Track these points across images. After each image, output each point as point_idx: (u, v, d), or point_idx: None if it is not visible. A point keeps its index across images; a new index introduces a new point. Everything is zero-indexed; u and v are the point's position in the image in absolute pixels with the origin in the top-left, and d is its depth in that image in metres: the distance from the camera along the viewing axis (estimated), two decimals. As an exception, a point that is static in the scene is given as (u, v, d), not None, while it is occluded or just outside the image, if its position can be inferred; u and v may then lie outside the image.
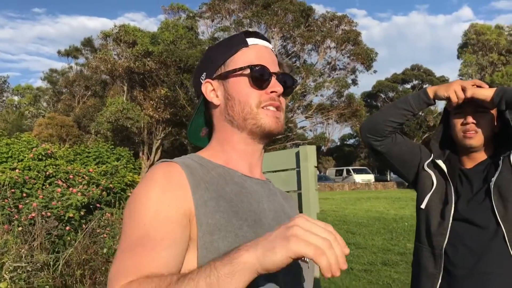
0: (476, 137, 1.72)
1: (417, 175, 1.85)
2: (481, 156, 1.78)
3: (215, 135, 1.11)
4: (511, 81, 33.73)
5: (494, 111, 1.75)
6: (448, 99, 1.70)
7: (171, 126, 31.25)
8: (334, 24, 29.52)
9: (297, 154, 4.73)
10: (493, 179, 1.66)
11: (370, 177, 38.32)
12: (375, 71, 30.31)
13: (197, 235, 0.90)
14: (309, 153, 4.64)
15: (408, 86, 48.80)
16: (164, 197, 0.90)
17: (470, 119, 1.72)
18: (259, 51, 1.06)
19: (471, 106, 1.71)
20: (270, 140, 1.11)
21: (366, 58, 29.04)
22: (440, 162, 1.79)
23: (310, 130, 37.50)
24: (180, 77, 27.17)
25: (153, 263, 0.84)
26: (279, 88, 1.04)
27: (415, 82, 48.16)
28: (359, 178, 37.24)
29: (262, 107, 1.03)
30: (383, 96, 49.35)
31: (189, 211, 0.90)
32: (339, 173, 41.46)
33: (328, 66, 30.89)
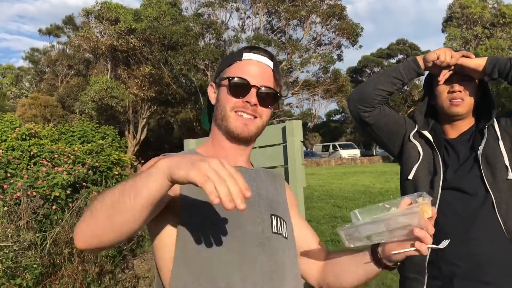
0: (463, 105, 1.74)
1: (402, 147, 1.86)
2: (464, 125, 1.81)
3: (210, 132, 1.34)
4: (494, 54, 33.93)
5: (476, 81, 1.78)
6: (437, 60, 1.69)
7: (156, 104, 30.99)
8: (319, -2, 29.25)
9: (284, 129, 4.73)
10: (481, 148, 1.70)
11: (356, 152, 38.68)
12: (360, 46, 30.27)
13: (177, 211, 1.13)
14: (295, 128, 4.65)
15: (394, 61, 48.83)
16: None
17: (457, 87, 1.74)
18: (248, 65, 1.25)
19: (457, 75, 1.74)
20: (244, 143, 1.28)
21: (352, 33, 28.92)
22: (425, 133, 1.81)
23: (297, 107, 37.52)
24: (164, 55, 26.82)
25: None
26: (253, 100, 1.22)
27: (401, 56, 48.22)
28: (345, 153, 37.56)
29: (235, 112, 1.23)
30: (368, 71, 49.41)
31: (175, 189, 1.08)
32: (325, 148, 41.75)
33: (313, 42, 30.74)
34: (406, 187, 1.82)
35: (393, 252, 1.09)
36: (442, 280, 1.70)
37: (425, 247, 1.05)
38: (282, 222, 1.25)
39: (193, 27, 27.97)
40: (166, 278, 1.13)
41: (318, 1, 29.14)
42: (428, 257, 1.71)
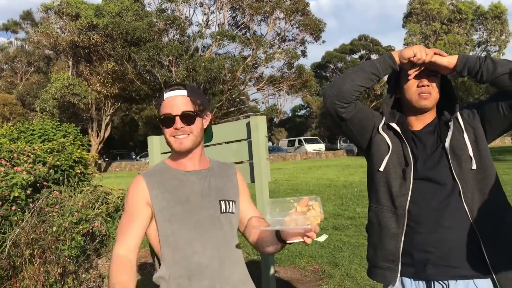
0: (430, 99, 1.81)
1: (371, 140, 1.90)
2: (428, 118, 1.87)
3: None
4: (452, 49, 34.97)
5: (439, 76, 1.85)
6: (414, 57, 1.74)
7: (120, 101, 30.47)
8: (283, -6, 29.38)
9: (248, 125, 4.75)
10: (448, 140, 1.77)
11: (321, 146, 39.18)
12: (323, 42, 30.71)
13: (154, 213, 1.69)
14: (259, 124, 4.67)
15: (356, 56, 49.60)
16: (134, 193, 1.71)
17: (425, 81, 1.80)
18: (168, 102, 1.70)
19: (425, 70, 1.80)
20: (189, 153, 1.74)
21: (315, 28, 29.23)
22: (394, 125, 1.85)
23: (262, 102, 37.66)
24: (127, 51, 26.37)
25: (130, 226, 1.66)
26: (178, 125, 1.68)
27: (363, 52, 48.98)
28: (310, 147, 37.99)
29: (173, 136, 1.70)
30: (332, 66, 49.98)
31: (147, 200, 1.69)
32: (291, 143, 42.08)
33: (277, 38, 30.90)
34: (377, 179, 1.85)
35: (288, 241, 1.52)
36: (416, 267, 1.76)
37: (310, 240, 1.44)
38: (231, 202, 1.77)
39: (156, 23, 27.60)
40: (158, 253, 1.70)
41: (281, -3, 29.26)
42: (401, 245, 1.77)
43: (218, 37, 28.13)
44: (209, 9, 30.40)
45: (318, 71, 50.18)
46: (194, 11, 30.48)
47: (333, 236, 6.25)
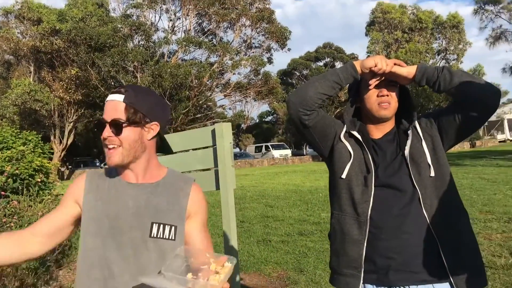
0: (390, 108, 1.85)
1: (333, 147, 1.92)
2: (387, 127, 1.91)
3: None
4: (413, 57, 35.98)
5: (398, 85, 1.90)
6: (375, 67, 1.78)
7: (84, 107, 29.83)
8: (248, 2, 29.56)
9: (213, 132, 4.74)
10: (407, 148, 1.81)
11: (288, 152, 39.47)
12: (289, 49, 30.98)
13: (82, 215, 1.54)
14: (224, 130, 4.67)
15: (321, 63, 50.32)
16: (70, 189, 1.59)
17: (385, 91, 1.84)
18: (106, 107, 1.53)
19: (384, 80, 1.84)
20: (125, 168, 1.57)
21: (281, 36, 29.50)
22: (355, 133, 1.88)
23: (230, 108, 37.68)
24: (91, 56, 25.89)
25: (48, 215, 1.57)
26: (106, 134, 1.49)
27: (327, 59, 49.75)
28: (277, 153, 38.23)
29: (105, 146, 1.52)
30: (298, 73, 50.56)
31: (79, 201, 1.55)
32: (258, 149, 42.21)
33: (244, 44, 31.02)
34: (339, 186, 1.87)
35: None
36: (378, 273, 1.78)
37: None
38: (167, 227, 1.54)
39: (121, 28, 27.23)
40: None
41: (247, 5, 29.44)
42: (364, 251, 1.79)
43: (184, 43, 27.99)
44: (175, 15, 30.26)
45: (284, 78, 50.62)
46: (160, 17, 30.28)
47: (298, 242, 6.30)
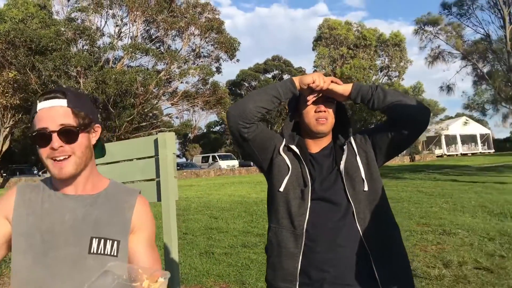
0: (327, 124, 1.90)
1: (272, 161, 1.94)
2: (325, 141, 1.96)
3: None
4: (357, 73, 37.20)
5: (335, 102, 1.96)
6: (313, 83, 1.82)
7: (21, 112, 28.45)
8: (198, 11, 29.50)
9: (156, 141, 4.62)
10: (343, 162, 1.86)
11: (235, 162, 39.46)
12: (238, 60, 31.09)
13: (12, 230, 1.38)
14: (168, 140, 4.57)
15: (270, 75, 50.99)
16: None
17: (323, 107, 1.89)
18: (43, 115, 1.36)
19: (323, 97, 1.89)
20: (72, 179, 1.42)
21: (230, 47, 29.60)
22: (293, 147, 1.91)
23: (177, 117, 37.22)
24: (31, 59, 24.80)
25: None
26: (56, 144, 1.34)
27: (276, 72, 50.50)
28: (224, 164, 38.12)
29: (51, 158, 1.36)
30: (246, 84, 50.90)
31: (8, 216, 1.39)
32: (205, 159, 41.92)
33: (192, 53, 30.85)
34: (277, 199, 1.88)
35: None
36: (313, 286, 1.79)
37: None
38: (108, 242, 1.41)
39: (64, 32, 26.33)
40: None
41: (197, 14, 29.36)
42: (299, 264, 1.80)
43: (131, 49, 27.45)
44: (122, 21, 29.65)
45: (233, 88, 50.82)
46: (106, 22, 29.58)
47: (242, 254, 6.26)
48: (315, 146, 1.96)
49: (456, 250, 5.88)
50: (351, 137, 1.94)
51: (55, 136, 1.35)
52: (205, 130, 62.91)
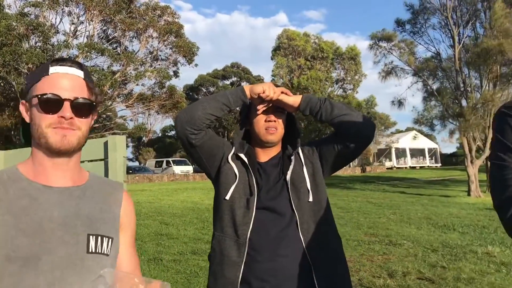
0: (276, 134, 1.92)
1: (220, 168, 1.93)
2: (274, 151, 1.98)
3: (31, 150, 1.29)
4: (314, 84, 37.86)
5: (286, 113, 1.99)
6: (263, 93, 1.84)
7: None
8: (157, 14, 29.16)
9: (106, 144, 4.51)
10: (289, 173, 1.87)
11: (189, 168, 39.07)
12: (196, 65, 30.86)
13: None
14: (118, 143, 4.46)
15: (228, 82, 51.04)
16: None
17: (273, 117, 1.91)
18: (56, 79, 1.23)
19: (272, 106, 1.91)
20: (67, 156, 1.25)
21: (188, 51, 29.39)
22: (242, 155, 1.91)
23: (131, 120, 36.50)
24: (-22, 53, 23.66)
25: None
26: (68, 114, 1.20)
27: (234, 79, 50.62)
28: (178, 169, 37.69)
29: (53, 127, 1.21)
30: (204, 90, 50.70)
31: None
32: (159, 164, 41.30)
33: (150, 56, 30.40)
34: (223, 207, 1.88)
35: None
36: None
37: None
38: (105, 239, 1.26)
39: (16, 27, 25.32)
40: None
41: (156, 17, 29.02)
42: (241, 273, 1.79)
43: (86, 49, 26.72)
44: (78, 19, 28.84)
45: (191, 93, 50.46)
46: (61, 19, 28.61)
47: (191, 261, 6.19)
48: (264, 155, 1.97)
49: (401, 261, 6.06)
50: (299, 148, 1.96)
51: (67, 105, 1.21)
52: (160, 134, 62.04)
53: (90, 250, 1.21)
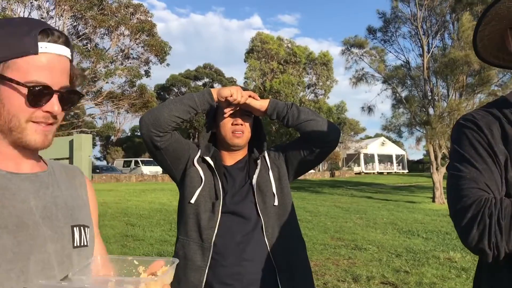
0: (243, 137, 1.91)
1: (185, 171, 1.91)
2: (240, 154, 1.97)
3: None
4: (286, 88, 38.06)
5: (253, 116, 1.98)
6: (230, 97, 1.82)
7: None
8: (130, 11, 28.79)
9: (71, 143, 4.41)
10: (255, 177, 1.87)
11: (158, 168, 38.55)
12: (168, 65, 30.67)
13: None
14: (84, 142, 4.37)
15: (200, 83, 50.82)
16: None
17: (239, 121, 1.90)
18: (47, 63, 0.99)
19: (240, 110, 1.90)
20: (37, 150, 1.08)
21: (160, 50, 29.12)
22: (208, 158, 1.90)
23: (100, 118, 35.90)
24: None
25: None
26: (57, 110, 1.01)
27: (206, 80, 50.45)
28: (147, 169, 37.18)
29: (33, 122, 1.00)
30: (176, 90, 50.33)
31: None
32: (127, 164, 40.65)
33: (121, 54, 29.97)
34: (187, 211, 1.85)
35: None
36: None
37: None
38: (86, 229, 1.12)
39: (-19, 18, 24.53)
40: None
41: (128, 14, 28.64)
42: (205, 278, 1.77)
43: (55, 44, 26.14)
44: (48, 14, 28.18)
45: (162, 93, 50.02)
46: (30, 13, 27.87)
47: (156, 263, 6.12)
48: (230, 159, 1.96)
49: (365, 265, 6.14)
50: (266, 152, 1.97)
51: (55, 98, 1.01)
52: (129, 134, 61.11)
53: (76, 244, 1.07)
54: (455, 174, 1.16)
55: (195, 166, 1.89)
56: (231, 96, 1.83)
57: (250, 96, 1.89)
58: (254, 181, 1.87)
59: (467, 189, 1.11)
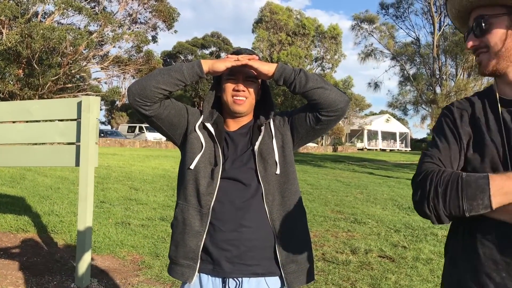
0: (245, 104, 1.88)
1: (186, 137, 1.90)
2: (244, 120, 1.95)
3: None
4: (293, 60, 37.73)
5: (259, 81, 1.94)
6: (236, 61, 1.79)
7: None
8: (139, -25, 28.35)
9: (79, 104, 4.44)
10: (257, 143, 1.85)
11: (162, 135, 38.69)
12: (175, 31, 30.31)
13: None
14: (92, 104, 4.40)
15: (207, 51, 50.35)
16: None
17: (241, 86, 1.86)
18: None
19: (242, 74, 1.86)
20: None
21: (168, 16, 28.79)
22: (208, 125, 1.88)
23: (105, 83, 35.80)
24: None
25: None
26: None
27: (214, 48, 49.94)
28: (151, 136, 37.30)
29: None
30: (182, 57, 49.91)
31: None
32: (131, 129, 40.77)
33: (129, 18, 29.67)
34: (187, 177, 1.86)
35: None
36: (214, 264, 1.81)
37: None
38: None
39: (-12, -24, 24.20)
40: None
41: (137, -23, 28.19)
42: (202, 242, 1.81)
43: (63, 5, 25.84)
44: (55, -27, 27.75)
45: (168, 60, 49.67)
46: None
47: (159, 227, 6.23)
48: (234, 124, 1.95)
49: (364, 239, 6.24)
50: (271, 119, 1.93)
51: None
52: (134, 99, 61.00)
53: None
54: (423, 152, 1.37)
55: (196, 132, 1.88)
56: (225, 69, 1.81)
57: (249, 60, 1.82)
58: (256, 147, 1.85)
59: (423, 164, 1.30)
